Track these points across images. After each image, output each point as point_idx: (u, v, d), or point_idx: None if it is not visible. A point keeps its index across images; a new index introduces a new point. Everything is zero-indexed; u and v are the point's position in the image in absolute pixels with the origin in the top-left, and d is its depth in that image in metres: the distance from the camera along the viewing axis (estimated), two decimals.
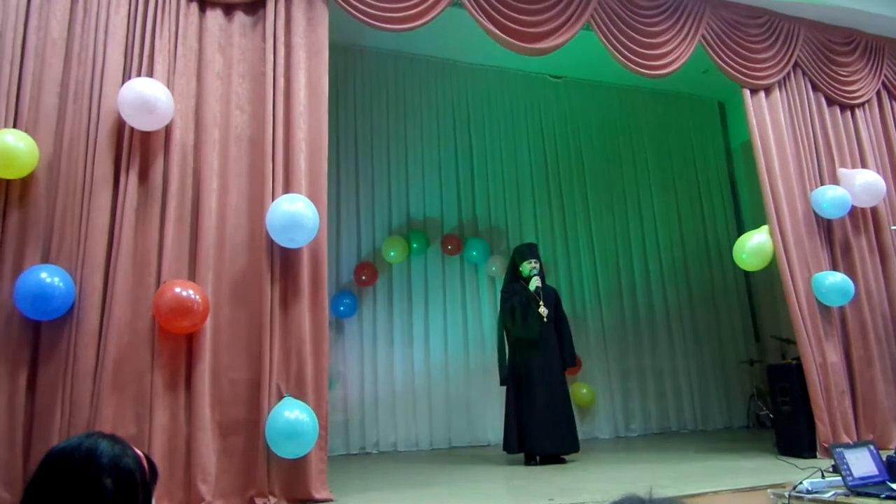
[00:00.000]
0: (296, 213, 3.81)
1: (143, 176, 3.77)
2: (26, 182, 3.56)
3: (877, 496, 3.02)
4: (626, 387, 7.57)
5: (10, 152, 3.39)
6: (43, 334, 3.48)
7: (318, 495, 3.73)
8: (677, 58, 5.33)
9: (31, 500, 1.14)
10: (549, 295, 5.56)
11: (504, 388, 5.51)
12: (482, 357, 7.01)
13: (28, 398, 3.39)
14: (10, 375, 3.35)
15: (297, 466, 3.73)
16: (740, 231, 7.83)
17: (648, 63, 5.26)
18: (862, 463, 3.24)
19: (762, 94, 5.59)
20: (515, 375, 5.36)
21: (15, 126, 3.56)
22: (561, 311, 5.69)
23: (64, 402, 3.38)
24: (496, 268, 7.20)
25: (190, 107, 4.00)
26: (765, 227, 5.34)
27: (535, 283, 5.45)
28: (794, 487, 3.36)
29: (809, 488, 3.29)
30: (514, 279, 5.63)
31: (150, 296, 3.63)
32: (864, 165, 5.76)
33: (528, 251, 5.65)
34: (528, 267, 5.52)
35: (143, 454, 1.28)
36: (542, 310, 5.38)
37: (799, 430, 4.95)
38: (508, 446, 5.26)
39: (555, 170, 7.92)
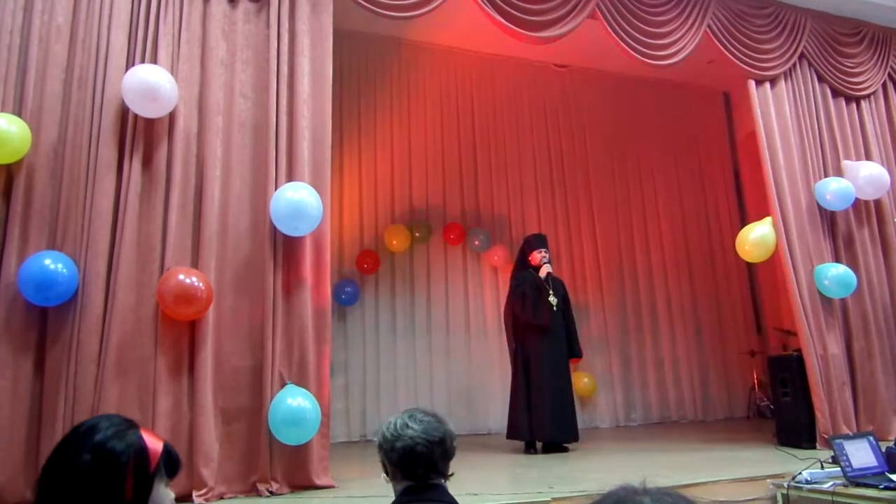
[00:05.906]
0: (300, 201, 3.81)
1: (147, 163, 3.77)
2: (30, 168, 3.56)
3: (875, 487, 3.04)
4: (627, 376, 7.59)
5: (1, 136, 3.36)
6: (49, 319, 3.49)
7: (319, 482, 3.76)
8: (683, 47, 5.31)
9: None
10: (558, 285, 5.59)
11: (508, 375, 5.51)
12: (484, 346, 7.04)
13: (36, 382, 3.41)
14: (15, 359, 3.37)
15: (300, 453, 3.75)
16: (743, 222, 7.81)
17: (654, 52, 5.24)
18: (861, 454, 3.26)
19: (768, 84, 5.56)
20: (524, 363, 5.36)
21: (20, 112, 3.56)
22: (568, 302, 5.71)
23: (68, 386, 3.40)
24: (498, 257, 7.21)
25: (193, 94, 3.99)
26: (768, 219, 5.32)
27: (547, 269, 5.47)
28: (794, 478, 3.38)
29: (808, 479, 3.31)
30: (524, 267, 5.64)
31: (153, 282, 3.64)
32: (868, 157, 5.74)
33: (538, 241, 5.67)
34: (538, 256, 5.54)
35: (165, 444, 1.30)
36: (552, 299, 5.39)
37: (799, 421, 4.97)
38: (516, 433, 5.24)
39: (558, 159, 7.90)
